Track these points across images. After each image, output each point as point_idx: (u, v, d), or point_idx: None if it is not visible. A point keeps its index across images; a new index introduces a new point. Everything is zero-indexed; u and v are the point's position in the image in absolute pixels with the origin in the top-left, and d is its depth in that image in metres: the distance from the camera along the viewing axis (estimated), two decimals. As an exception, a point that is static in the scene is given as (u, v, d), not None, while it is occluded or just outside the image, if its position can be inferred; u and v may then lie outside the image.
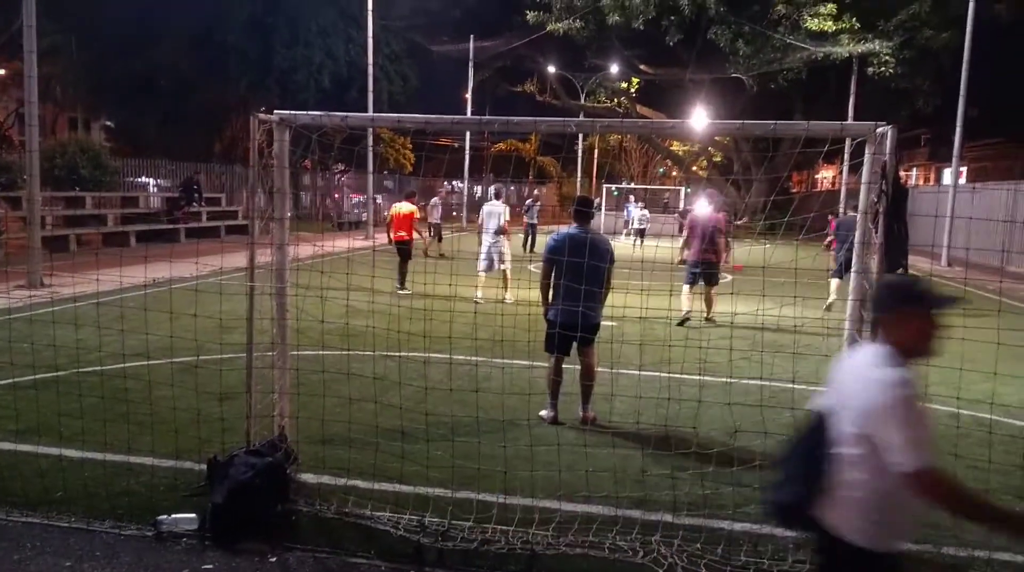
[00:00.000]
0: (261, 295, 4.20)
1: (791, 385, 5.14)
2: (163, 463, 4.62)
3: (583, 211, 5.86)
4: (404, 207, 12.56)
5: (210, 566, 3.56)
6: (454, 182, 42.15)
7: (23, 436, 5.01)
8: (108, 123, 35.21)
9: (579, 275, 5.33)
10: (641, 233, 22.29)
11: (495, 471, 4.47)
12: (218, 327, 5.80)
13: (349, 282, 4.98)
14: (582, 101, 38.84)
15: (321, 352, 6.68)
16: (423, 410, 5.25)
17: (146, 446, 4.78)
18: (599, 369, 6.01)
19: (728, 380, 6.20)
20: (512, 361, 6.95)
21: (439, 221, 19.78)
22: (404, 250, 12.37)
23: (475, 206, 42.21)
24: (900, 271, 3.46)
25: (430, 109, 4.40)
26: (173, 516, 3.84)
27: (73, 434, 4.97)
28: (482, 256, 11.72)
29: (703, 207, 10.63)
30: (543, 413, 5.88)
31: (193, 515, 3.84)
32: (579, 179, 39.14)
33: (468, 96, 35.97)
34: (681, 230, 12.50)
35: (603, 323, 5.90)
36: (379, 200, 34.52)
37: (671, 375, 5.84)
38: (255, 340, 4.19)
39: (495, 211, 11.68)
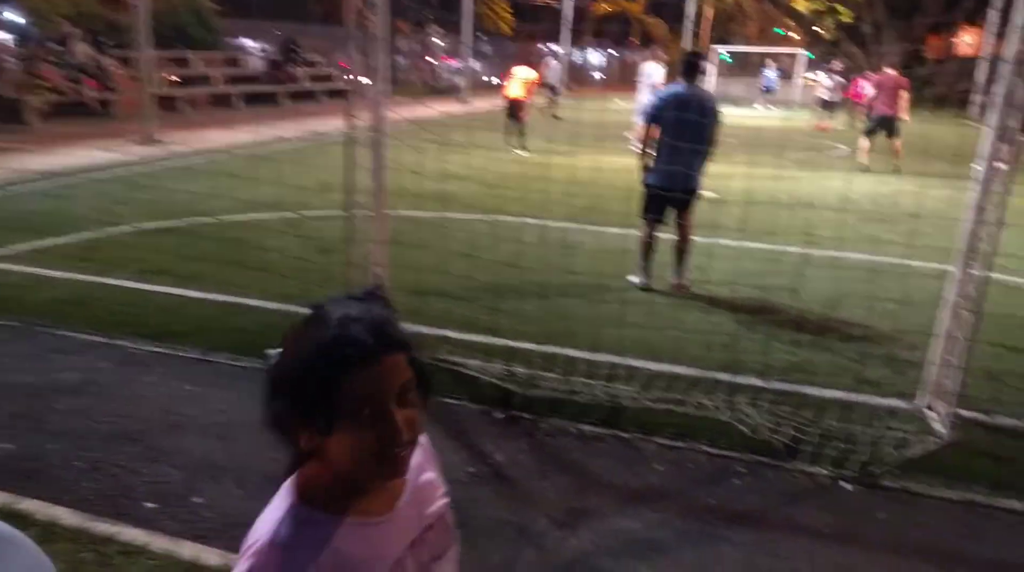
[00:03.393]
0: (360, 146, 4.24)
1: (901, 261, 4.89)
2: (272, 305, 4.93)
3: (694, 64, 5.53)
4: (524, 72, 13.43)
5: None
6: (550, 45, 40.43)
7: (147, 276, 5.43)
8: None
9: (684, 133, 5.09)
10: (829, 105, 19.46)
11: (583, 329, 4.54)
12: (316, 185, 5.98)
13: (447, 144, 4.95)
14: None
15: (417, 213, 6.80)
16: (515, 269, 5.32)
17: (257, 290, 5.09)
18: (696, 238, 5.87)
19: (835, 253, 5.94)
20: (606, 229, 6.89)
21: (556, 83, 19.78)
22: (515, 110, 13.13)
23: (573, 73, 40.60)
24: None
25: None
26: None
27: (191, 275, 5.35)
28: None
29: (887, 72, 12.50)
30: (634, 278, 5.84)
31: (300, 352, 4.12)
32: (688, 43, 36.71)
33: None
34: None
35: (708, 194, 5.70)
36: (476, 66, 33.70)
37: (766, 245, 5.64)
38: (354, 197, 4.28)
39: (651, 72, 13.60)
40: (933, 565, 2.80)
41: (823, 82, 19.84)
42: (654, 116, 5.48)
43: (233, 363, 4.17)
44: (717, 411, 3.73)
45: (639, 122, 12.62)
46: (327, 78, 23.57)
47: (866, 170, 11.69)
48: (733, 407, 3.76)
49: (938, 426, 3.60)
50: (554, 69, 19.89)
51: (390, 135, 4.18)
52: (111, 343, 4.35)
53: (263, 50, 25.47)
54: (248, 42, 26.00)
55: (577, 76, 39.67)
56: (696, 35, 38.68)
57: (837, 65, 20.52)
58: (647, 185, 5.63)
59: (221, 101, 18.81)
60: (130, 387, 3.87)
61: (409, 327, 3.97)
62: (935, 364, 3.72)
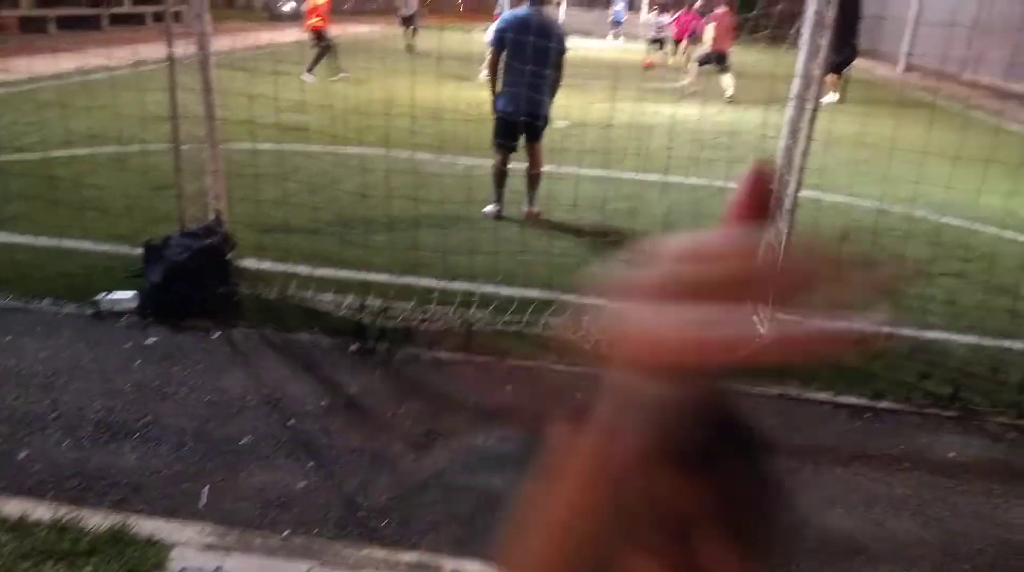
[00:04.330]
0: (186, 69, 3.94)
1: (725, 183, 5.22)
2: (98, 247, 4.56)
3: None
4: None
5: (154, 339, 3.64)
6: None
7: (-53, 221, 4.86)
8: None
9: (527, 57, 5.10)
10: (656, 41, 19.37)
11: (436, 259, 4.55)
12: (146, 117, 5.51)
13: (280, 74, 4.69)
14: None
15: (257, 144, 6.45)
16: (364, 200, 5.21)
17: (80, 231, 4.68)
18: (545, 166, 5.96)
19: (664, 177, 6.24)
20: (456, 158, 6.85)
21: (412, 13, 18.73)
22: (318, 37, 12.45)
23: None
24: (848, 52, 3.39)
25: None
26: (111, 295, 3.85)
27: (3, 218, 4.84)
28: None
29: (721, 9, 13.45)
30: (488, 209, 5.89)
31: (131, 293, 3.86)
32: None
33: None
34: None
35: (559, 123, 5.77)
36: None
37: (610, 172, 5.85)
38: (187, 129, 3.99)
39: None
40: (754, 453, 3.11)
41: (651, 19, 20.43)
42: (498, 40, 5.45)
43: (56, 310, 3.85)
44: (564, 330, 3.89)
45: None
46: (155, 0, 21.49)
47: (693, 94, 12.60)
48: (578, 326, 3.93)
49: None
50: (408, 1, 18.96)
51: (227, 64, 3.91)
52: (-92, 296, 3.89)
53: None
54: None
55: (433, 5, 38.43)
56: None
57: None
58: (496, 111, 5.63)
59: (32, 26, 16.73)
60: (-66, 342, 3.49)
61: (254, 263, 3.79)
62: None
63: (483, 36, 13.42)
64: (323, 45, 12.28)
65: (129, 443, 2.87)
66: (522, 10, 5.50)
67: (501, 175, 5.80)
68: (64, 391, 3.16)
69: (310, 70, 11.98)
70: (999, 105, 13.06)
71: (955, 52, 18.51)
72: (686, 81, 13.48)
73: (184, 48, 3.94)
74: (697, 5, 18.65)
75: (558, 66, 5.52)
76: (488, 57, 5.65)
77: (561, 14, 26.53)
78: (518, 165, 5.80)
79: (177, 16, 3.99)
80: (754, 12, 4.91)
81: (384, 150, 6.21)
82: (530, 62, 5.11)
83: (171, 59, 3.80)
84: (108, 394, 3.17)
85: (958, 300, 4.56)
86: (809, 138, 3.60)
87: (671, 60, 18.63)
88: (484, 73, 12.02)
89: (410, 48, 17.58)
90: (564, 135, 6.98)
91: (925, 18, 19.88)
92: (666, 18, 19.51)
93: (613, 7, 26.93)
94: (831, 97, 12.78)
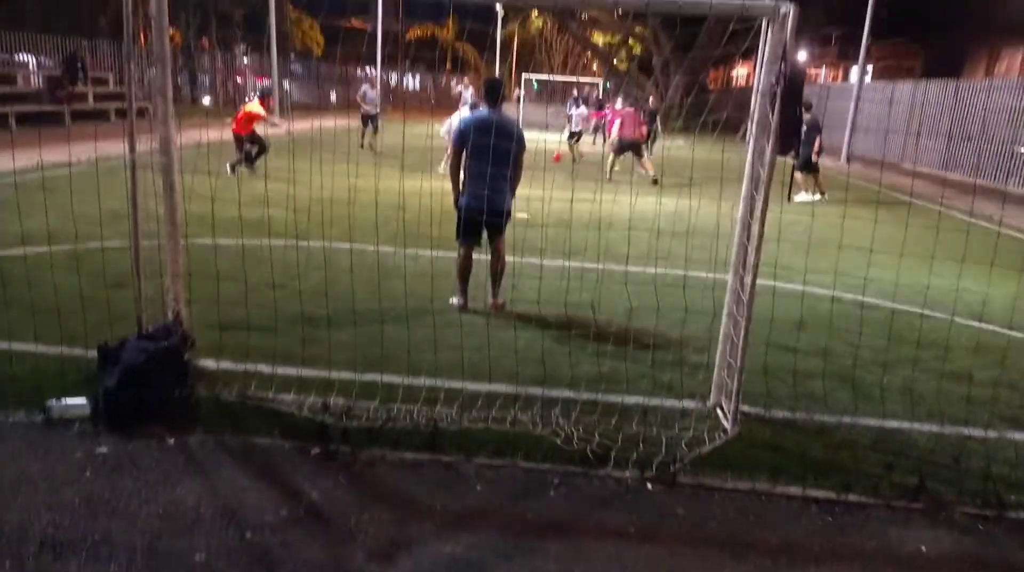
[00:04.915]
0: (146, 170, 3.95)
1: (682, 272, 5.35)
2: (49, 350, 4.42)
3: (495, 89, 5.75)
4: (250, 106, 13.19)
5: (105, 448, 3.49)
6: (368, 67, 40.17)
7: None
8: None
9: (488, 157, 5.26)
10: (574, 135, 19.65)
11: (400, 354, 4.50)
12: (105, 215, 5.48)
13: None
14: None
15: (219, 241, 6.43)
16: (326, 296, 5.19)
17: (29, 333, 4.55)
18: (509, 258, 6.04)
19: (626, 267, 6.36)
20: (419, 251, 6.91)
21: (373, 110, 18.43)
22: (239, 139, 13.01)
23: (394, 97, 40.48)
24: (792, 153, 3.57)
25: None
26: (62, 401, 3.71)
27: (-52, 322, 4.68)
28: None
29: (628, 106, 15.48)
30: (453, 301, 5.92)
31: (83, 400, 3.73)
32: (497, 68, 38.04)
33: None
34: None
35: (520, 216, 5.89)
36: (287, 87, 32.68)
37: (572, 263, 5.93)
38: (145, 227, 3.97)
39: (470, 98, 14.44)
40: (725, 552, 3.06)
41: (570, 112, 21.35)
42: (460, 141, 5.62)
43: (2, 418, 3.68)
44: (532, 426, 3.85)
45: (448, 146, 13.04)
46: (118, 97, 21.74)
47: (609, 180, 14.31)
48: (546, 420, 3.90)
49: (725, 423, 3.96)
50: (370, 99, 18.25)
51: (190, 161, 3.93)
52: None
53: (39, 66, 22.98)
54: (25, 57, 23.33)
55: (394, 100, 39.60)
56: (506, 62, 40.13)
57: (590, 97, 22.65)
58: (459, 208, 5.74)
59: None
60: None
61: (212, 363, 3.72)
62: (718, 366, 4.10)
63: (441, 129, 13.79)
64: (241, 147, 12.64)
65: (75, 563, 2.70)
66: (482, 112, 5.71)
67: (466, 269, 5.86)
68: (8, 506, 2.99)
69: (233, 168, 12.32)
70: (938, 192, 13.73)
71: (895, 145, 19.65)
72: (615, 168, 15.11)
73: (148, 144, 3.96)
74: (636, 100, 19.67)
75: (518, 164, 5.70)
76: (450, 155, 5.81)
77: (520, 111, 27.59)
78: (482, 257, 5.87)
79: (141, 112, 4.03)
80: (702, 118, 5.18)
81: (347, 244, 6.24)
82: (491, 161, 5.26)
83: (132, 160, 3.82)
84: (55, 508, 3.00)
85: (915, 388, 4.64)
86: (761, 233, 3.72)
87: (576, 150, 19.08)
88: (443, 167, 12.43)
89: (371, 147, 17.44)
90: (526, 227, 7.11)
91: (862, 119, 21.22)
92: (575, 111, 20.69)
93: (570, 102, 28.30)
94: (803, 196, 13.39)
